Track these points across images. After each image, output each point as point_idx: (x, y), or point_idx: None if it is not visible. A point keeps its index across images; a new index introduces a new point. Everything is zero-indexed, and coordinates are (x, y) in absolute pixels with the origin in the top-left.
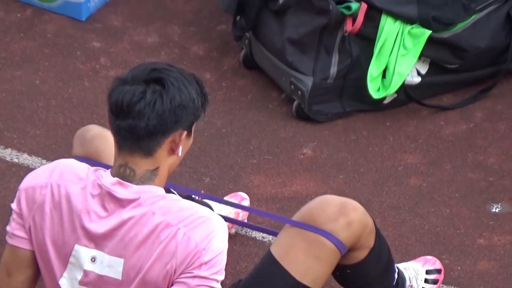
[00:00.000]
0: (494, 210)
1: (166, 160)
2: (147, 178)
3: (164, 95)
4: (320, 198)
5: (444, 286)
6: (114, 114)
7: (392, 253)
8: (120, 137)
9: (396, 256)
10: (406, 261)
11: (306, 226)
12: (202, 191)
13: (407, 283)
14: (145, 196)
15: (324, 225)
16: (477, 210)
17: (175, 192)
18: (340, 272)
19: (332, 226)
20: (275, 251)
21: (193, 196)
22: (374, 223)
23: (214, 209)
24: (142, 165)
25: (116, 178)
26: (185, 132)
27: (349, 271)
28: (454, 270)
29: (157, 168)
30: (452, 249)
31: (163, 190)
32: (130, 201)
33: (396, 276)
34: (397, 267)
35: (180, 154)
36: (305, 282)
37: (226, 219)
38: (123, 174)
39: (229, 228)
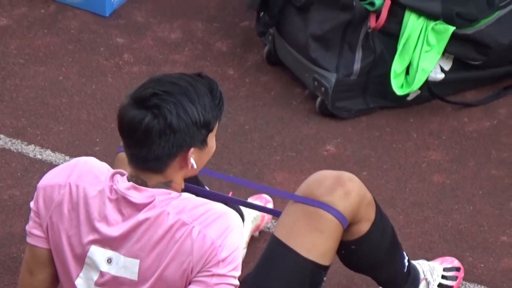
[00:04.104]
0: None
1: (178, 173)
2: (161, 187)
3: (161, 122)
4: (316, 173)
5: (467, 283)
6: (121, 136)
7: (415, 250)
8: (128, 158)
9: (419, 253)
10: (429, 258)
11: (304, 199)
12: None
13: (421, 276)
14: (159, 198)
15: (322, 198)
16: (501, 207)
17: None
18: (345, 249)
19: (330, 197)
20: (278, 232)
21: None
22: (374, 199)
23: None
24: (153, 178)
25: (130, 183)
26: (192, 149)
27: (353, 247)
28: (477, 268)
29: (170, 181)
30: (476, 246)
31: (177, 193)
32: (145, 205)
33: (406, 263)
34: (409, 260)
35: (195, 166)
36: (312, 257)
37: (245, 204)
38: (136, 183)
39: (253, 231)
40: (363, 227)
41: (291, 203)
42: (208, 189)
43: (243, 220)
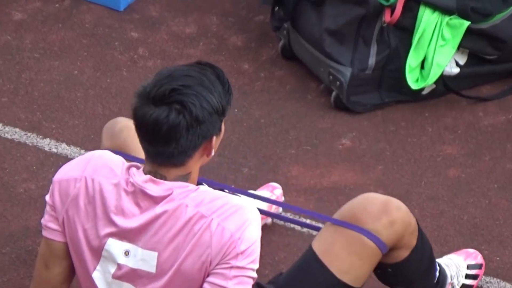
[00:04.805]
0: None
1: (197, 164)
2: (179, 181)
3: (187, 116)
4: (363, 196)
5: (483, 277)
6: (140, 135)
7: (431, 243)
8: (149, 155)
9: (435, 247)
10: (445, 252)
11: (347, 225)
12: (233, 186)
13: (448, 280)
14: (177, 191)
15: (366, 224)
16: None
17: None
18: (381, 270)
19: (374, 225)
20: (317, 247)
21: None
22: (417, 223)
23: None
24: (172, 172)
25: (148, 176)
26: (214, 137)
27: (390, 270)
28: (493, 261)
29: (189, 173)
30: (491, 240)
31: (194, 185)
32: (163, 198)
33: (437, 274)
34: (439, 264)
35: (213, 153)
36: (345, 280)
37: (263, 212)
38: (154, 177)
39: (263, 219)
40: (403, 253)
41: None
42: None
43: None
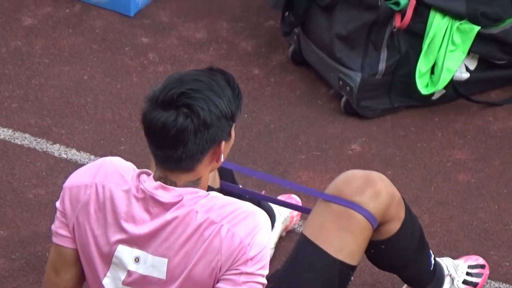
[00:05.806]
0: None
1: (207, 169)
2: (189, 187)
3: (195, 120)
4: (345, 173)
5: (492, 282)
6: (148, 139)
7: (440, 248)
8: (158, 160)
9: (445, 252)
10: (455, 257)
11: (335, 199)
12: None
13: (445, 272)
14: (187, 197)
15: (352, 198)
16: None
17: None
18: (375, 249)
19: (359, 198)
20: (307, 231)
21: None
22: (404, 201)
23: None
24: (182, 178)
25: (158, 182)
26: (223, 142)
27: (383, 247)
28: (502, 266)
29: (199, 178)
30: (501, 245)
31: (205, 191)
32: (173, 204)
33: (432, 261)
34: (434, 258)
35: (222, 159)
36: (341, 257)
37: (275, 201)
38: (164, 183)
39: (282, 232)
40: (393, 227)
41: (321, 202)
42: (241, 187)
43: (274, 220)
